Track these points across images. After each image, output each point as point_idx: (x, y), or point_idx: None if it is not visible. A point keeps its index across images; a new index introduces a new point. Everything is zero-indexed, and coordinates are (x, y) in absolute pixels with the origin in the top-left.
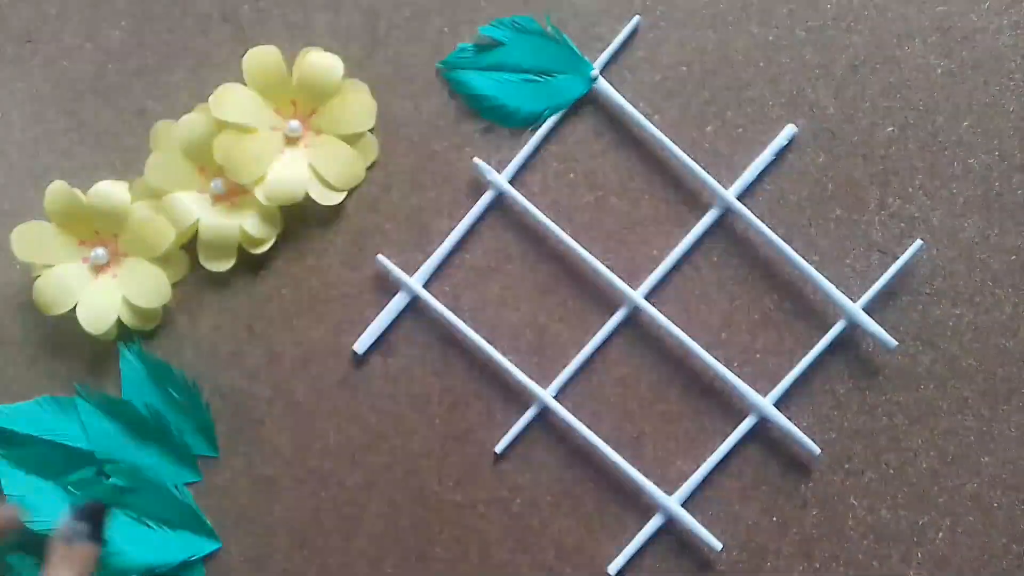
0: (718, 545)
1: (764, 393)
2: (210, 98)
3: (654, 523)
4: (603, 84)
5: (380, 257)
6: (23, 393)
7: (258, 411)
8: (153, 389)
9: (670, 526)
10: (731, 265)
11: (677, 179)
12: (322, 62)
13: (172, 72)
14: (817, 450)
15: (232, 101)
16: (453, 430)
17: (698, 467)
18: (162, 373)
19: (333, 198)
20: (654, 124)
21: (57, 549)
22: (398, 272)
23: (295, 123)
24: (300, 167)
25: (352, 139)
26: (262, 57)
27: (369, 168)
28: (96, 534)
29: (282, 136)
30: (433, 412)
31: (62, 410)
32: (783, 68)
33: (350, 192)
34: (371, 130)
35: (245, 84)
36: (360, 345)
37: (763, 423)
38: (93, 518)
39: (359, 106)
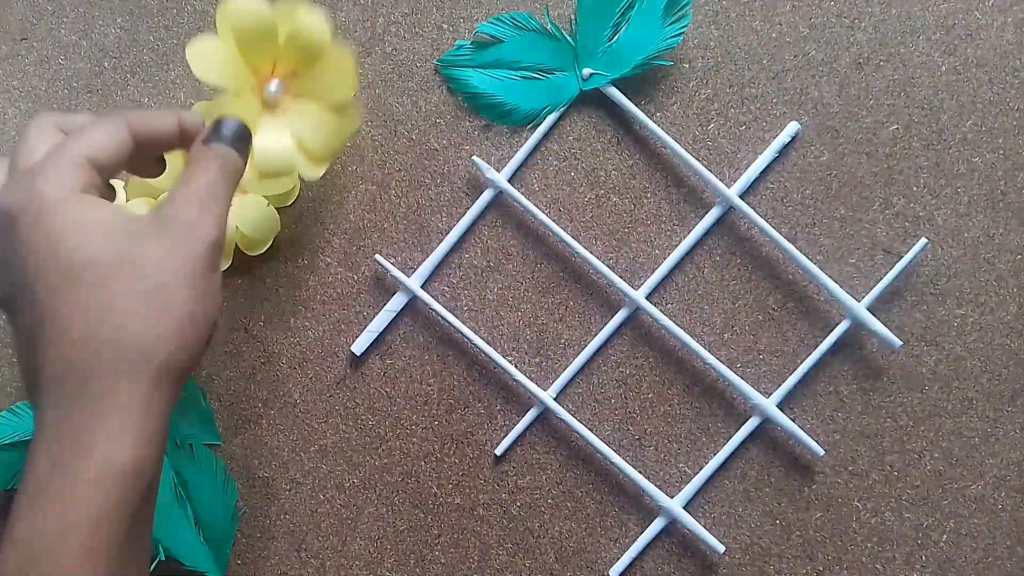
0: (720, 548)
1: (767, 394)
2: (188, 54)
3: (656, 526)
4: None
5: (378, 257)
6: (19, 394)
7: (255, 412)
8: None
9: (672, 528)
10: (734, 264)
11: (679, 177)
12: (312, 21)
13: (168, 69)
14: (821, 451)
15: (209, 58)
16: (452, 432)
17: (700, 469)
18: None
19: (315, 171)
20: (655, 121)
21: (195, 153)
22: (396, 272)
23: (275, 83)
24: (283, 136)
25: (336, 107)
26: (248, 9)
27: (369, 170)
28: (238, 148)
29: (262, 100)
30: (432, 413)
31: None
32: (786, 65)
33: (348, 190)
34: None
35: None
36: (358, 346)
37: (766, 424)
38: (237, 137)
39: (340, 70)
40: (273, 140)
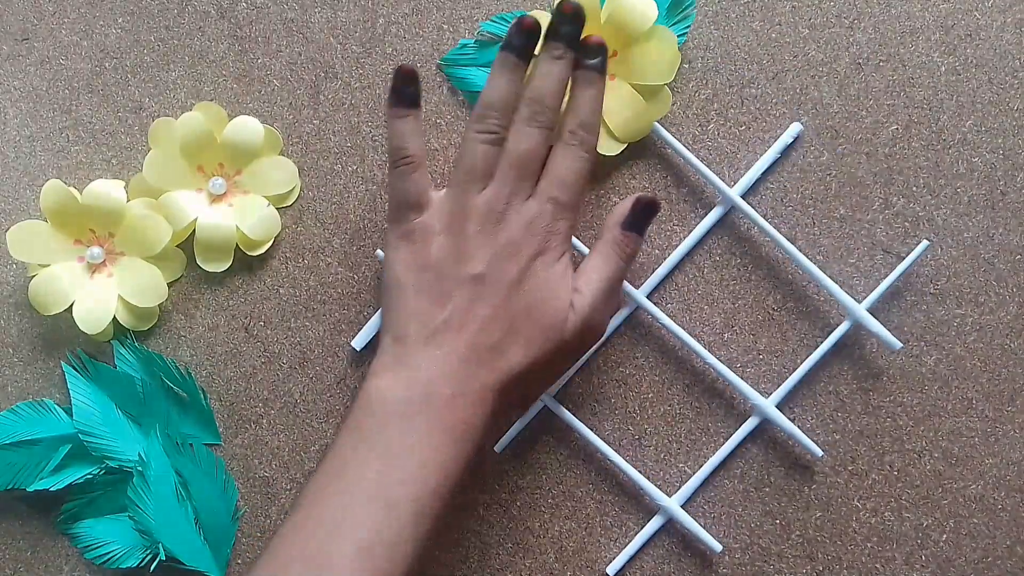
0: (718, 547)
1: (767, 394)
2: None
3: (654, 524)
4: None
5: (380, 252)
6: (19, 394)
7: (255, 412)
8: (149, 382)
9: (671, 527)
10: (733, 264)
11: (678, 177)
12: (635, 3)
13: (169, 70)
14: (819, 452)
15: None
16: None
17: (700, 468)
18: (156, 365)
19: (613, 148)
20: (656, 121)
21: (615, 236)
22: None
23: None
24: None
25: (648, 90)
26: None
27: (369, 170)
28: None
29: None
30: None
31: (37, 412)
32: (786, 66)
33: (348, 190)
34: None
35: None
36: (358, 341)
37: (766, 424)
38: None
39: (664, 55)
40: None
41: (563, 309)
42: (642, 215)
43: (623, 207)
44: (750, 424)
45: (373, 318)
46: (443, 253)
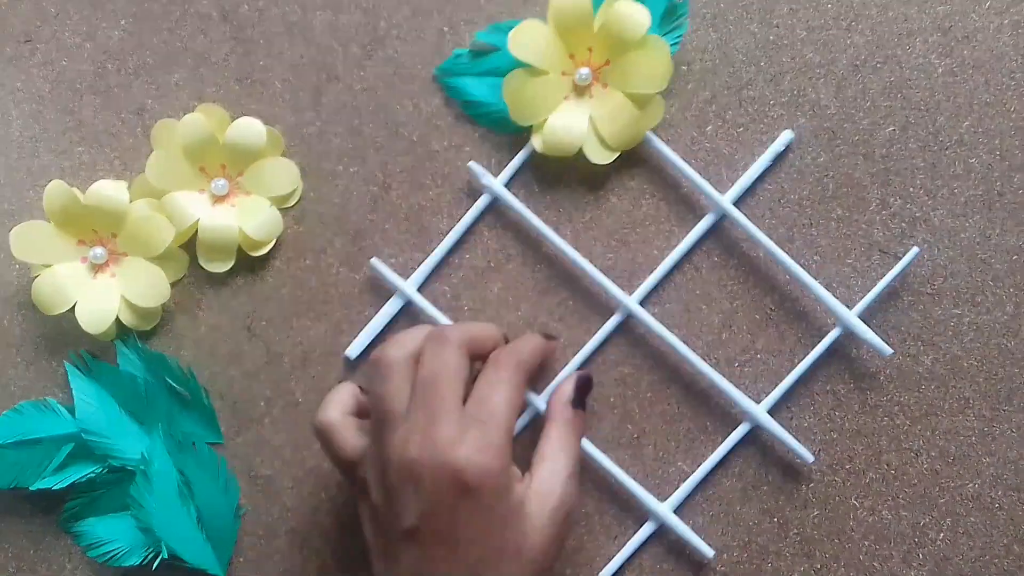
0: (710, 552)
1: (766, 393)
2: (552, 6)
3: (645, 530)
4: None
5: (373, 262)
6: (22, 394)
7: (257, 411)
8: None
9: (664, 531)
10: (732, 265)
11: (676, 178)
12: (629, 11)
13: (171, 71)
14: (810, 457)
15: (529, 39)
16: None
17: (699, 467)
18: (159, 364)
19: (605, 157)
20: (649, 129)
21: (561, 415)
22: (392, 277)
23: (585, 71)
24: (581, 118)
25: (640, 99)
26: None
27: (371, 172)
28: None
29: (571, 83)
30: None
31: (40, 411)
32: (784, 67)
33: (350, 192)
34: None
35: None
36: (352, 351)
37: (760, 427)
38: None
39: (656, 63)
40: (568, 121)
41: (520, 536)
42: (585, 390)
43: (567, 388)
44: (741, 430)
45: (367, 327)
46: (380, 506)
